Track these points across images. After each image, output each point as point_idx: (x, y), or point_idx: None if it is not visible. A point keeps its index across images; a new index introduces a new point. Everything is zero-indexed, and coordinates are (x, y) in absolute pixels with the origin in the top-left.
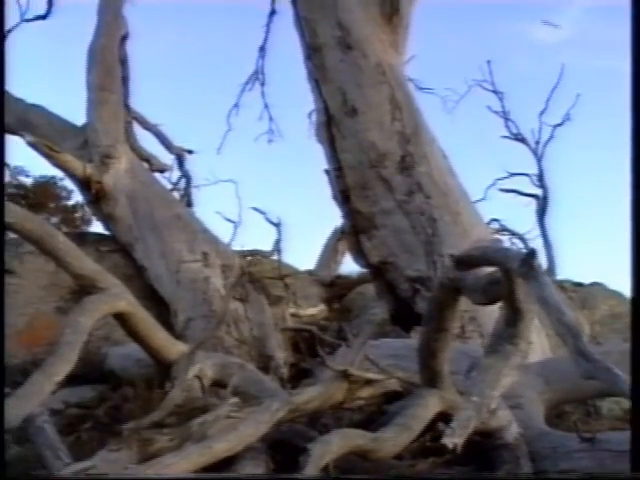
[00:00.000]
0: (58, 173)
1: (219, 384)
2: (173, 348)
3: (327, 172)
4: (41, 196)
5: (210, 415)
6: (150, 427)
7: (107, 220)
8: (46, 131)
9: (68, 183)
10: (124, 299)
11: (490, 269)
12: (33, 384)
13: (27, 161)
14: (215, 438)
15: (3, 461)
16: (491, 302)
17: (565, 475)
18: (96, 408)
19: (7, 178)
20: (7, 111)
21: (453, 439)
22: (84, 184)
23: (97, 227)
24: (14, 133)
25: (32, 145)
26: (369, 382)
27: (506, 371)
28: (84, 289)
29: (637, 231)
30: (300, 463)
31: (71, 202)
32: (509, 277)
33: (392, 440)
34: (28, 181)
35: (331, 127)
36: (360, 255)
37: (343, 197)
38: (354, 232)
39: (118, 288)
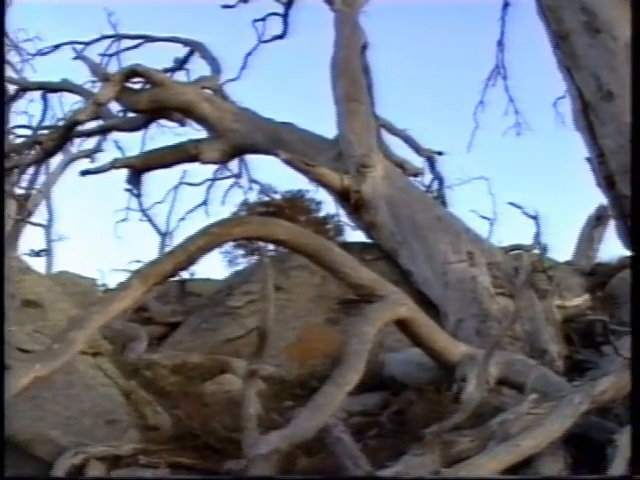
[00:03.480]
0: (305, 187)
1: (504, 382)
2: (455, 349)
3: (589, 160)
4: (291, 211)
5: (510, 413)
6: (450, 430)
7: (369, 228)
8: (299, 147)
9: (316, 195)
10: (404, 305)
11: None
12: (325, 395)
13: (272, 179)
14: (521, 436)
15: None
16: None
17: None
18: (379, 415)
19: (255, 196)
20: (258, 131)
21: None
22: (342, 195)
23: (349, 237)
24: (266, 152)
25: (287, 162)
26: None
27: None
28: (362, 298)
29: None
30: (608, 456)
31: (321, 214)
32: None
33: None
34: (276, 197)
35: (588, 114)
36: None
37: (607, 183)
38: (622, 217)
39: (397, 294)
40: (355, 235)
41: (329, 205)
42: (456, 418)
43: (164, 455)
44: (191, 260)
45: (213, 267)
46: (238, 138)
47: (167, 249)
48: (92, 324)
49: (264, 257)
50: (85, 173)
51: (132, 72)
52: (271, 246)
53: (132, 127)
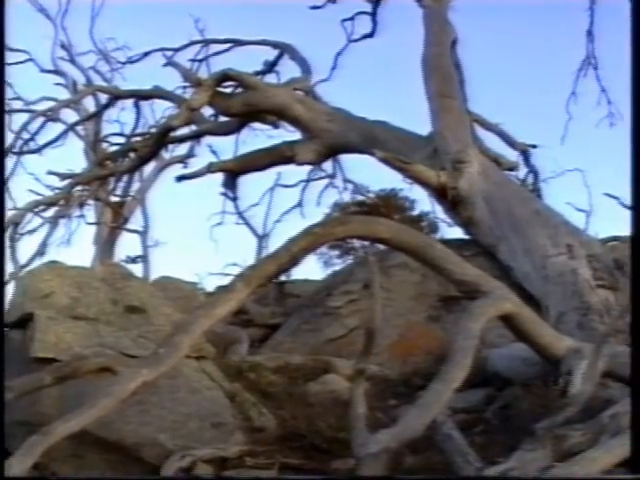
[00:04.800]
0: (398, 185)
1: (609, 375)
2: (560, 343)
3: None
4: (385, 209)
5: (620, 406)
6: (561, 424)
7: (466, 224)
8: (393, 145)
9: (410, 194)
10: (509, 300)
11: None
12: (432, 393)
13: (364, 178)
14: None
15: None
16: None
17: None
18: (484, 411)
19: (348, 196)
20: (352, 130)
21: None
22: (439, 192)
23: (445, 234)
24: (361, 152)
25: (383, 160)
26: None
27: None
28: (464, 295)
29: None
30: None
31: (415, 212)
32: None
33: None
34: (370, 196)
35: None
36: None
37: None
38: None
39: (501, 290)
40: (450, 232)
41: (423, 203)
42: (567, 412)
43: (276, 456)
44: (294, 261)
45: (310, 268)
46: (332, 138)
47: (264, 251)
48: (197, 328)
49: (369, 256)
50: (181, 178)
51: (224, 76)
52: (365, 244)
53: (225, 131)
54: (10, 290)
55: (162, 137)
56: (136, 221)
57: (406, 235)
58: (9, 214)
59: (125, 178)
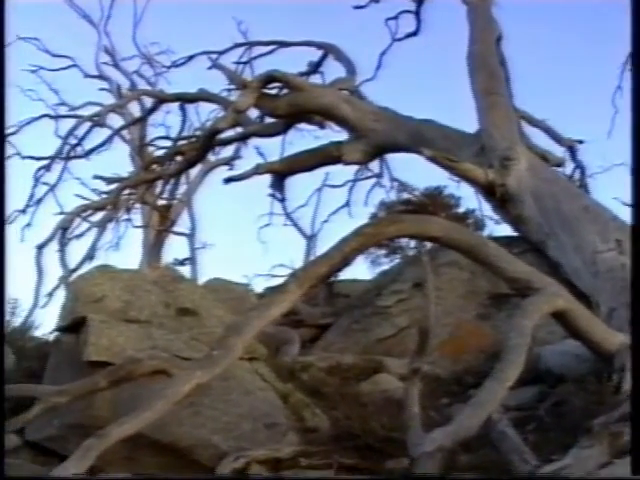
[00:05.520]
0: (443, 183)
1: None
2: (613, 339)
3: None
4: (432, 207)
5: None
6: (616, 420)
7: (515, 222)
8: (441, 143)
9: (455, 191)
10: (561, 297)
11: None
12: (486, 391)
13: (408, 176)
14: None
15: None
16: None
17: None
18: (536, 409)
19: (394, 195)
20: (398, 129)
21: None
22: (487, 190)
23: (492, 231)
24: (408, 150)
25: (431, 159)
26: None
27: None
28: (516, 292)
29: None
30: None
31: (461, 210)
32: None
33: None
34: (416, 195)
35: None
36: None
37: None
38: None
39: (554, 287)
40: (497, 229)
41: (468, 200)
42: (623, 408)
43: (332, 456)
44: (346, 261)
45: (357, 268)
46: (379, 138)
47: (313, 252)
48: (251, 330)
49: (422, 254)
50: (229, 180)
51: (270, 78)
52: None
53: (272, 133)
54: (61, 294)
55: (209, 140)
56: (183, 224)
57: (458, 233)
58: (58, 219)
59: (171, 181)
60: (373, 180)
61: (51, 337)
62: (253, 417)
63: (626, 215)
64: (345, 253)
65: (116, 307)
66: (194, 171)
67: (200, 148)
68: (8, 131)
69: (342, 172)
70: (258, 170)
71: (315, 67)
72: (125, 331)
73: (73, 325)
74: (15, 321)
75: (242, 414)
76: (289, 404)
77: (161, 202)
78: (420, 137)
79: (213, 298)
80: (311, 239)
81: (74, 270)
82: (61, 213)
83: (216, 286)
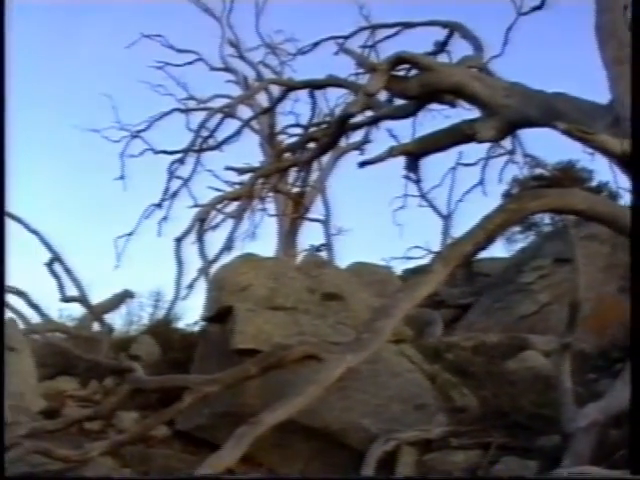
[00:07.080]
0: (575, 157)
1: None
2: None
3: None
4: (565, 181)
5: None
6: None
7: None
8: (574, 116)
9: (588, 164)
10: None
11: None
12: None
13: (541, 152)
14: None
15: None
16: None
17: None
18: None
19: (527, 171)
20: (531, 104)
21: None
22: (623, 161)
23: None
24: (541, 125)
25: (566, 132)
26: None
27: None
28: None
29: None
30: None
31: (594, 183)
32: None
33: None
34: (548, 169)
35: None
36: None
37: None
38: None
39: None
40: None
41: (601, 173)
42: None
43: (482, 435)
44: (490, 239)
45: (494, 246)
46: (512, 114)
47: (450, 232)
48: (399, 312)
49: (568, 227)
50: (363, 164)
51: (398, 59)
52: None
53: (403, 114)
54: (201, 286)
55: (341, 125)
56: (317, 210)
57: (602, 206)
58: (191, 212)
59: (304, 169)
60: (506, 157)
61: (194, 328)
62: (402, 399)
63: None
64: (489, 231)
65: (262, 295)
66: (325, 157)
67: (333, 134)
68: (139, 127)
69: (475, 150)
70: (392, 152)
71: (441, 46)
72: (271, 318)
73: (219, 315)
74: (159, 313)
75: (391, 396)
76: (437, 385)
77: (295, 190)
78: (552, 111)
79: (357, 282)
80: (447, 219)
81: (213, 261)
82: (195, 205)
83: (359, 269)
